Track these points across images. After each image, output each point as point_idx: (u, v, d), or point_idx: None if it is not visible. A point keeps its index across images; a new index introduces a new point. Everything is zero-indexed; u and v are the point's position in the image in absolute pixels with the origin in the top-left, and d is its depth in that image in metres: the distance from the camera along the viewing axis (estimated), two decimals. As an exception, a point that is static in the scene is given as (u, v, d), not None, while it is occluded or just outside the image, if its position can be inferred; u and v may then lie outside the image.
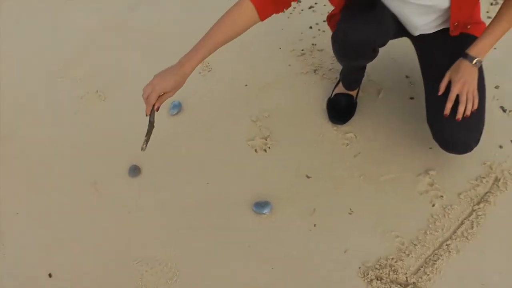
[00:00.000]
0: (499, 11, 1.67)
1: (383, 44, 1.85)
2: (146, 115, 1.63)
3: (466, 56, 1.70)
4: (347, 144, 2.07)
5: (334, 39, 1.80)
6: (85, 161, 2.12)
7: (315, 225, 1.86)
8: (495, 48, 2.28)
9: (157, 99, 1.58)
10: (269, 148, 2.10)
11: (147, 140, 1.72)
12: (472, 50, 1.69)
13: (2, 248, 1.87)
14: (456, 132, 1.72)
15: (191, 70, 1.59)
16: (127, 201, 1.98)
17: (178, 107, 2.24)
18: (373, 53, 1.85)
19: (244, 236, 1.85)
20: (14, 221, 1.94)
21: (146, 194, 2.00)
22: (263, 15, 1.65)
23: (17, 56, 2.60)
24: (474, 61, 1.68)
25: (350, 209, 1.89)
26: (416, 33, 1.85)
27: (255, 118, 2.20)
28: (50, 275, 1.83)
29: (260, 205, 1.90)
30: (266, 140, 2.12)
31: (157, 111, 1.60)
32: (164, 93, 1.58)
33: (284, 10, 1.70)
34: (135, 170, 2.04)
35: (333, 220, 1.87)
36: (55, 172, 2.08)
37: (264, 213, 1.89)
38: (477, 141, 1.77)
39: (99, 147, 2.16)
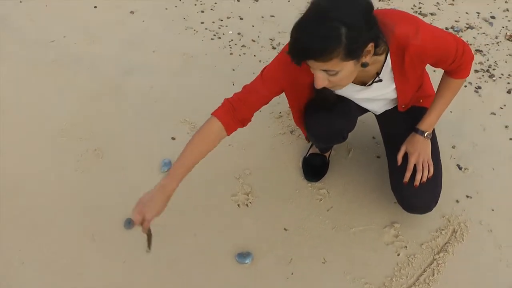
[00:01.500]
0: (437, 90, 1.74)
1: (352, 130, 1.91)
2: (143, 232, 1.68)
3: (417, 131, 1.77)
4: (321, 200, 2.11)
5: (308, 131, 1.86)
6: (84, 214, 2.09)
7: (292, 273, 1.88)
8: (451, 112, 2.39)
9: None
10: (251, 203, 2.12)
11: (149, 244, 1.80)
12: (421, 126, 1.76)
13: (10, 294, 1.84)
14: (415, 197, 1.78)
15: (173, 191, 1.60)
16: (122, 251, 1.96)
17: (168, 165, 2.24)
18: (343, 139, 1.93)
19: (228, 284, 1.85)
20: (21, 270, 1.91)
21: (140, 244, 1.92)
22: (229, 132, 1.68)
23: (22, 118, 2.56)
24: (425, 135, 1.75)
25: (324, 258, 1.92)
26: (377, 113, 1.94)
27: (238, 175, 2.23)
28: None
29: (243, 256, 1.92)
30: (248, 195, 2.14)
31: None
32: None
33: (248, 124, 1.74)
34: (129, 223, 2.00)
35: (308, 269, 1.89)
36: (56, 225, 2.06)
37: (246, 263, 1.90)
38: (435, 203, 1.82)
39: (96, 202, 2.14)
